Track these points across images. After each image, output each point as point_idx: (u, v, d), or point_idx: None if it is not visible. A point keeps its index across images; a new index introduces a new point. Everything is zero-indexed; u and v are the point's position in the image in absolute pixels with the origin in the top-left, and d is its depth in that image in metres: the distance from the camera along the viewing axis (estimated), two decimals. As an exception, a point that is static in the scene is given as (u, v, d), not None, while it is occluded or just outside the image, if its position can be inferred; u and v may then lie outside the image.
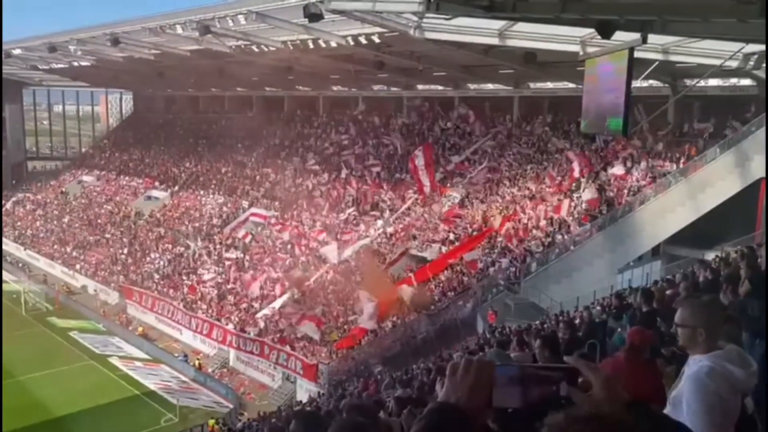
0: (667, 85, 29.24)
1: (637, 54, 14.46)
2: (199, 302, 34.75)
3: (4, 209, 59.32)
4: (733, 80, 29.01)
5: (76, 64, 47.34)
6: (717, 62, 19.08)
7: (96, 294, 41.68)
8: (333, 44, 29.38)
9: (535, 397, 1.40)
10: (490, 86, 39.62)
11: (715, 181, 26.67)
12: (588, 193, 28.32)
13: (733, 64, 19.71)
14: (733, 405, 2.81)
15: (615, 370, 5.09)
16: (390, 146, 41.02)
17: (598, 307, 14.84)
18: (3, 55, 44.92)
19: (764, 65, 21.51)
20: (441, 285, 28.39)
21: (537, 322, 18.28)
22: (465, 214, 31.78)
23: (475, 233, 29.94)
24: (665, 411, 2.96)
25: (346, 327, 28.65)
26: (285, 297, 31.59)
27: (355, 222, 35.79)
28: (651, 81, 28.55)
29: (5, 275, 43.80)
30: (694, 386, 2.80)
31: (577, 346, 7.56)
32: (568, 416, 1.20)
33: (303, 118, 49.89)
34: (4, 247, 52.92)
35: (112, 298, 40.39)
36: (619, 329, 8.21)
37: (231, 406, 27.31)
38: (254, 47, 32.59)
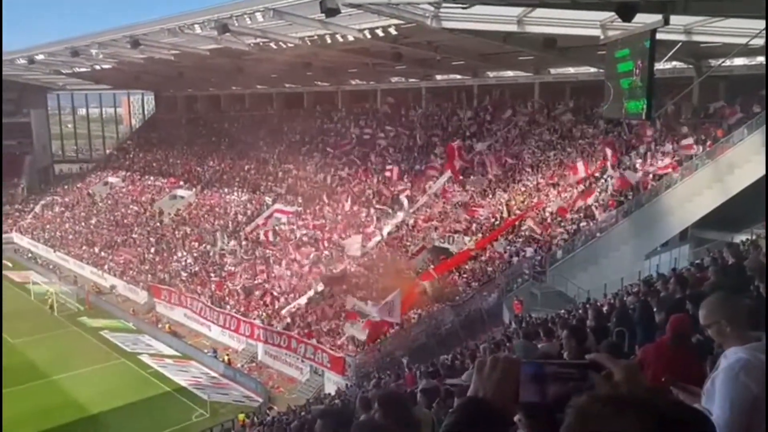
0: (691, 66, 28.70)
1: (659, 35, 14.23)
2: (226, 298, 35.12)
3: (33, 212, 60.60)
4: (760, 59, 28.35)
5: (97, 67, 47.98)
6: (742, 41, 18.65)
7: (116, 292, 42.33)
8: (350, 38, 29.37)
9: (560, 392, 1.44)
10: (509, 73, 39.28)
11: (743, 162, 26.13)
12: (614, 179, 27.97)
13: (760, 42, 19.25)
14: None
15: (657, 356, 5.03)
16: (409, 138, 40.93)
17: (628, 297, 14.62)
18: (27, 62, 45.81)
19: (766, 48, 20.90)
20: (465, 275, 28.30)
21: (563, 311, 18.14)
22: (487, 204, 31.62)
23: (497, 223, 29.79)
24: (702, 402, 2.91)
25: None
26: (311, 292, 31.75)
27: (376, 214, 35.81)
28: (675, 63, 28.04)
29: (36, 277, 44.67)
30: (726, 378, 2.74)
31: (605, 335, 7.47)
32: (590, 397, 1.25)
33: (323, 113, 50.07)
34: (35, 249, 54.14)
35: (141, 297, 40.99)
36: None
37: (261, 400, 27.59)
38: (272, 44, 32.71)
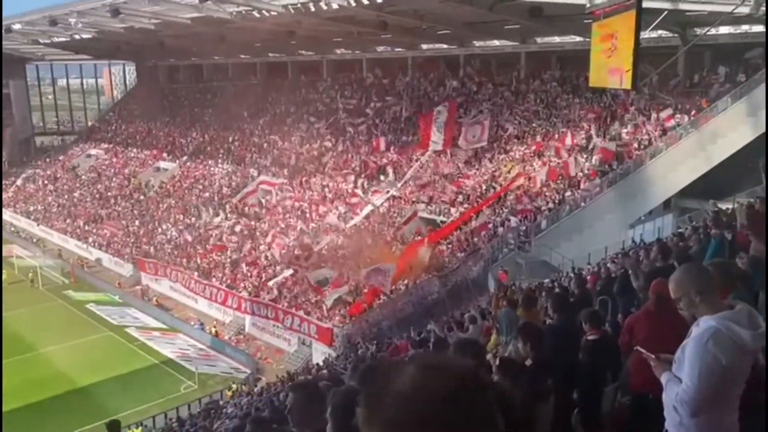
0: (676, 35, 28.63)
1: (645, 4, 14.15)
2: (213, 270, 35.09)
3: (14, 186, 59.78)
4: (745, 27, 28.32)
5: (77, 36, 46.93)
6: (728, 9, 18.60)
7: (97, 263, 42.17)
8: (335, 6, 28.93)
9: None
10: (496, 43, 38.95)
11: (726, 131, 26.28)
12: (598, 149, 28.06)
13: (745, 10, 19.19)
14: (737, 369, 2.76)
15: (644, 322, 5.09)
16: (395, 108, 40.67)
17: (611, 265, 14.75)
18: (3, 31, 44.71)
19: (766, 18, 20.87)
20: (451, 246, 28.43)
21: (547, 281, 18.32)
22: (473, 174, 31.64)
23: (485, 193, 29.86)
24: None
25: (358, 291, 28.83)
26: (286, 272, 31.77)
27: (362, 186, 35.72)
28: (660, 31, 27.94)
29: (21, 251, 44.31)
30: (695, 347, 2.76)
31: (587, 304, 7.56)
32: (424, 365, 1.21)
33: (308, 83, 49.50)
34: (17, 223, 53.58)
35: (126, 270, 40.85)
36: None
37: (248, 371, 27.79)
38: (255, 12, 32.15)
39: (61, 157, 62.49)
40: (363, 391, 1.26)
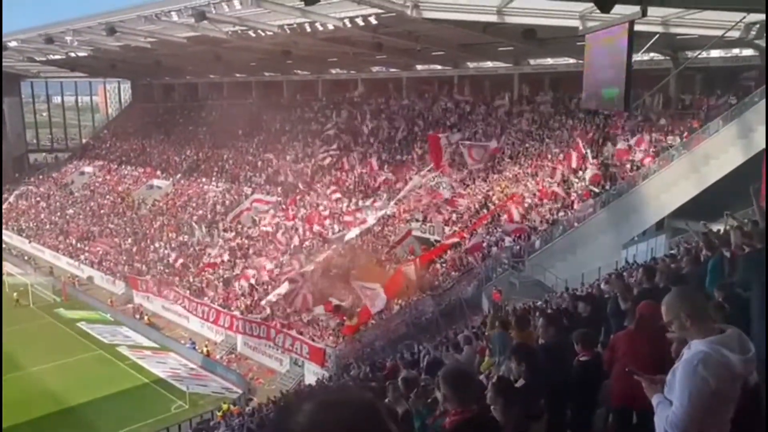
0: (668, 57, 28.96)
1: (637, 27, 14.32)
2: (205, 289, 34.90)
3: (7, 203, 59.53)
4: (735, 51, 28.72)
5: (73, 54, 47.12)
6: (718, 33, 18.85)
7: (91, 282, 41.88)
8: (330, 27, 29.17)
9: None
10: (489, 64, 39.34)
11: (719, 153, 26.50)
12: (591, 170, 28.22)
13: (735, 34, 19.47)
14: (727, 392, 2.76)
15: (626, 343, 5.15)
16: (390, 128, 40.87)
17: (605, 286, 14.74)
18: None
19: (766, 35, 21.22)
20: (445, 265, 28.41)
21: (539, 302, 18.29)
22: (467, 194, 31.72)
23: (478, 213, 29.91)
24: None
25: (352, 310, 28.70)
26: (283, 289, 31.60)
27: (357, 205, 35.74)
28: (652, 54, 28.28)
29: (12, 269, 43.98)
30: (685, 371, 2.77)
31: (579, 324, 7.54)
32: (320, 402, 1.22)
33: (303, 102, 49.73)
34: (9, 240, 53.24)
35: (119, 288, 40.58)
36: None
37: (240, 391, 27.53)
38: (251, 32, 32.36)
39: (54, 175, 62.36)
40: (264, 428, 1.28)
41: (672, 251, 18.14)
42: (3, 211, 58.54)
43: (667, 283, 6.98)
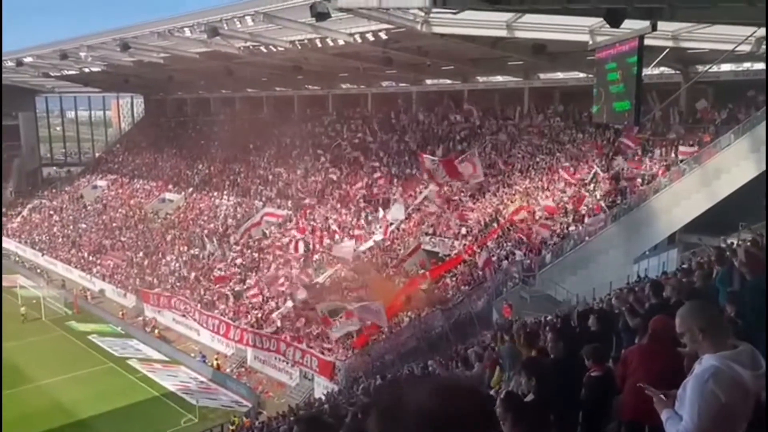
0: (678, 71, 28.94)
1: (647, 41, 14.34)
2: (216, 302, 34.99)
3: (21, 216, 60.15)
4: (747, 64, 28.65)
5: (86, 70, 47.78)
6: (729, 47, 18.84)
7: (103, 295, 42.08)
8: (341, 42, 29.38)
9: None
10: (499, 78, 39.44)
11: (730, 167, 26.36)
12: (602, 184, 28.17)
13: (746, 48, 19.45)
14: (738, 408, 2.74)
15: (639, 358, 5.12)
16: (400, 142, 41.00)
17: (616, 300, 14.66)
18: (15, 64, 45.54)
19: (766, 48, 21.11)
20: (455, 279, 28.35)
21: (550, 317, 18.19)
22: (477, 208, 31.70)
23: (488, 227, 29.87)
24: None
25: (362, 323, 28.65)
26: (300, 296, 31.65)
27: (367, 219, 35.80)
28: (662, 68, 28.28)
29: (24, 281, 44.31)
30: (695, 385, 2.76)
31: (590, 338, 7.51)
32: (436, 385, 1.27)
33: (313, 116, 50.01)
34: (22, 253, 53.74)
35: (130, 301, 40.76)
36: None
37: (250, 405, 27.48)
38: (262, 48, 32.68)
39: (67, 188, 62.95)
40: (378, 406, 1.28)
41: (684, 266, 18.01)
42: (17, 224, 59.20)
43: (678, 298, 6.95)
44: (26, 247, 54.17)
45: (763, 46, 20.73)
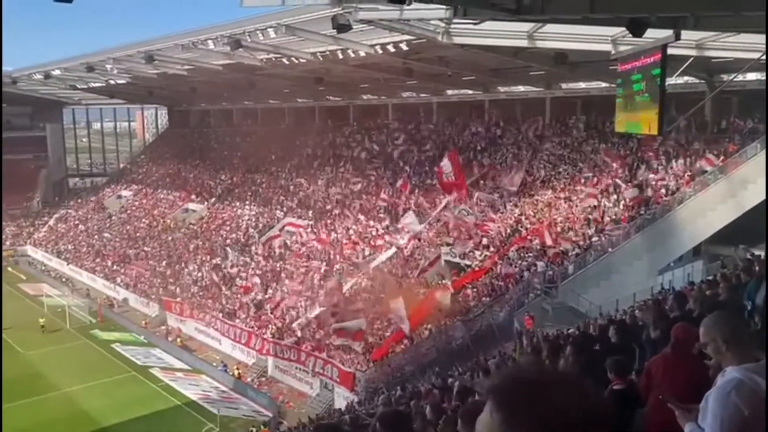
0: (703, 81, 28.58)
1: (670, 50, 14.19)
2: (237, 312, 35.18)
3: (47, 226, 61.25)
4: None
5: (112, 82, 48.57)
6: (755, 56, 18.57)
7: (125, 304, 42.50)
8: (362, 53, 29.52)
9: None
10: (520, 88, 39.30)
11: (757, 177, 25.89)
12: (629, 193, 27.88)
13: (772, 56, 19.14)
14: (760, 421, 2.68)
15: (663, 367, 5.02)
16: (420, 152, 41.01)
17: (640, 312, 14.48)
18: (43, 77, 46.53)
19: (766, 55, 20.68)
20: (476, 290, 28.18)
21: (570, 329, 17.99)
22: (498, 218, 31.53)
23: (510, 238, 29.69)
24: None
25: (381, 335, 28.60)
26: (320, 307, 31.70)
27: (387, 229, 35.79)
28: (686, 77, 27.94)
29: (50, 290, 44.97)
30: (718, 397, 2.70)
31: (612, 351, 7.40)
32: (566, 388, 1.25)
33: (334, 127, 50.29)
34: (48, 262, 54.67)
35: (152, 310, 41.15)
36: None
37: (270, 414, 27.52)
38: (284, 59, 32.94)
39: (92, 198, 63.96)
40: (508, 404, 1.26)
41: (709, 277, 17.71)
42: (44, 233, 60.28)
43: (702, 310, 6.83)
44: (52, 256, 55.08)
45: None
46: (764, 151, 26.10)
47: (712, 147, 28.37)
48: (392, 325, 28.37)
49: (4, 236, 60.37)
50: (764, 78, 28.67)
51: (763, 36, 17.27)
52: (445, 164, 33.64)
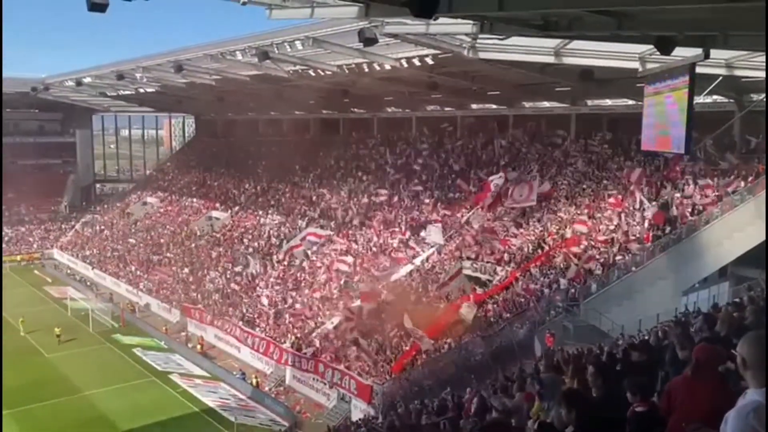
0: (732, 100, 28.23)
1: (699, 69, 14.06)
2: (257, 320, 35.33)
3: (73, 230, 62.29)
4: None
5: (141, 90, 49.41)
6: (786, 76, 18.33)
7: (144, 309, 42.88)
8: (387, 67, 29.70)
9: None
10: (546, 104, 39.17)
11: (786, 199, 25.42)
12: (650, 212, 27.54)
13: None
14: None
15: (684, 388, 4.93)
16: (443, 166, 40.99)
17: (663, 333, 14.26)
18: (75, 84, 47.46)
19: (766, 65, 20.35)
20: (497, 306, 27.98)
21: (593, 348, 17.75)
22: (521, 234, 31.34)
23: (533, 254, 29.48)
24: None
25: (400, 348, 28.50)
26: (339, 317, 31.73)
27: (408, 242, 35.74)
28: (715, 96, 27.63)
29: (74, 293, 45.63)
30: (736, 420, 2.69)
31: (634, 372, 7.30)
32: None
33: (358, 139, 50.53)
34: (73, 266, 55.53)
35: (174, 316, 41.50)
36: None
37: (287, 424, 27.51)
38: (311, 71, 33.26)
39: (118, 204, 64.93)
40: None
41: (736, 299, 17.39)
42: (70, 237, 61.31)
43: (728, 332, 6.72)
44: (77, 260, 55.93)
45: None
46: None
47: (741, 167, 27.94)
48: (411, 338, 28.27)
49: (31, 239, 61.69)
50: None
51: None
52: (496, 180, 33.62)
